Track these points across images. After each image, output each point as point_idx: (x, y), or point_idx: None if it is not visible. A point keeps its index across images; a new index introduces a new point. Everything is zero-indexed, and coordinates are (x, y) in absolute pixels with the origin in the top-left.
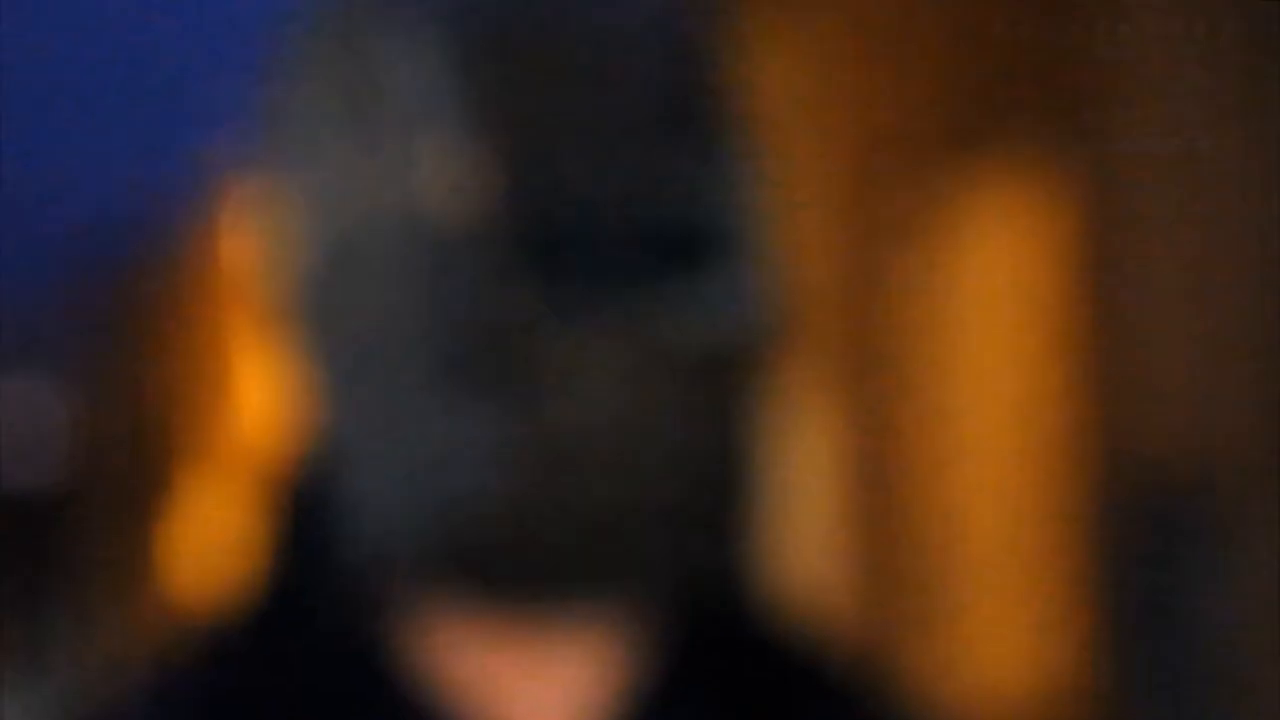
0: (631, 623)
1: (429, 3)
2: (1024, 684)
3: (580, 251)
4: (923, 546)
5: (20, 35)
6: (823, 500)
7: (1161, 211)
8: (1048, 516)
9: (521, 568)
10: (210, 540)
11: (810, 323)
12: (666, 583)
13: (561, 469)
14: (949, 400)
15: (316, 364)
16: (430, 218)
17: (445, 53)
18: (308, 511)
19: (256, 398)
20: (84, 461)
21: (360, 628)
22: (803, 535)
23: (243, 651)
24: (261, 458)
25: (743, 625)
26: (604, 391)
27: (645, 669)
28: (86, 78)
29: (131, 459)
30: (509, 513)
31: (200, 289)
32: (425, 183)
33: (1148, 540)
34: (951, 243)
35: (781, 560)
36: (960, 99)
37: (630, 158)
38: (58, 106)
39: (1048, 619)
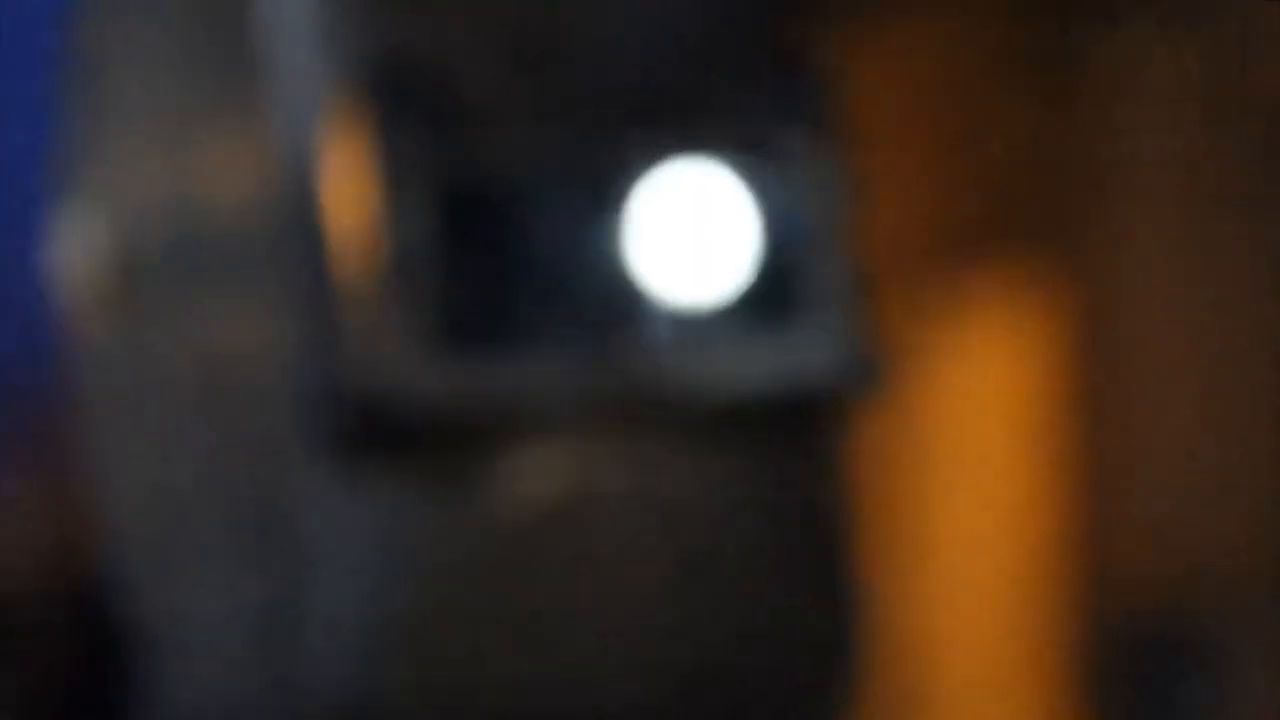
0: None
1: None
2: None
3: (536, 281)
4: (904, 672)
5: None
6: None
7: (1158, 332)
8: (1033, 643)
9: None
10: None
11: None
12: None
13: (507, 627)
14: (933, 523)
15: (110, 436)
16: (299, 222)
17: None
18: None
19: None
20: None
21: None
22: None
23: None
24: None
25: None
26: (579, 504)
27: None
28: None
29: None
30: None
31: None
32: (292, 176)
33: (1136, 670)
34: (939, 361)
35: None
36: (953, 215)
37: (632, 138)
38: None
39: None
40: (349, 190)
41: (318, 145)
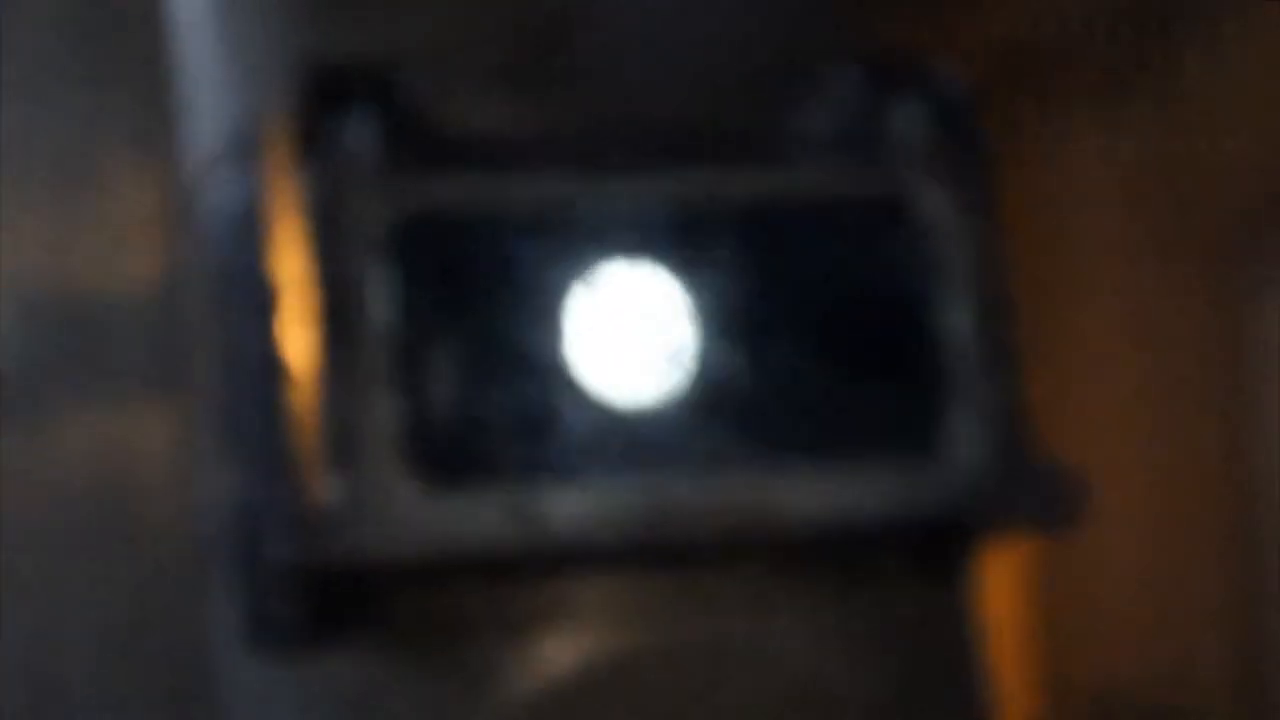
0: None
1: None
2: None
3: (535, 378)
4: None
5: None
6: None
7: (1116, 429)
8: None
9: None
10: None
11: None
12: None
13: None
14: None
15: None
16: (222, 299)
17: None
18: None
19: None
20: None
21: None
22: None
23: None
24: None
25: None
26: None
27: None
28: None
29: None
30: None
31: None
32: (214, 239)
33: None
34: None
35: None
36: None
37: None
38: None
39: None
40: (284, 252)
41: (247, 199)
